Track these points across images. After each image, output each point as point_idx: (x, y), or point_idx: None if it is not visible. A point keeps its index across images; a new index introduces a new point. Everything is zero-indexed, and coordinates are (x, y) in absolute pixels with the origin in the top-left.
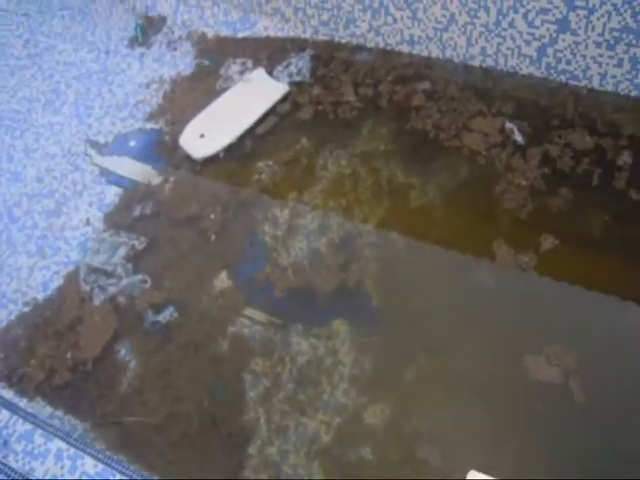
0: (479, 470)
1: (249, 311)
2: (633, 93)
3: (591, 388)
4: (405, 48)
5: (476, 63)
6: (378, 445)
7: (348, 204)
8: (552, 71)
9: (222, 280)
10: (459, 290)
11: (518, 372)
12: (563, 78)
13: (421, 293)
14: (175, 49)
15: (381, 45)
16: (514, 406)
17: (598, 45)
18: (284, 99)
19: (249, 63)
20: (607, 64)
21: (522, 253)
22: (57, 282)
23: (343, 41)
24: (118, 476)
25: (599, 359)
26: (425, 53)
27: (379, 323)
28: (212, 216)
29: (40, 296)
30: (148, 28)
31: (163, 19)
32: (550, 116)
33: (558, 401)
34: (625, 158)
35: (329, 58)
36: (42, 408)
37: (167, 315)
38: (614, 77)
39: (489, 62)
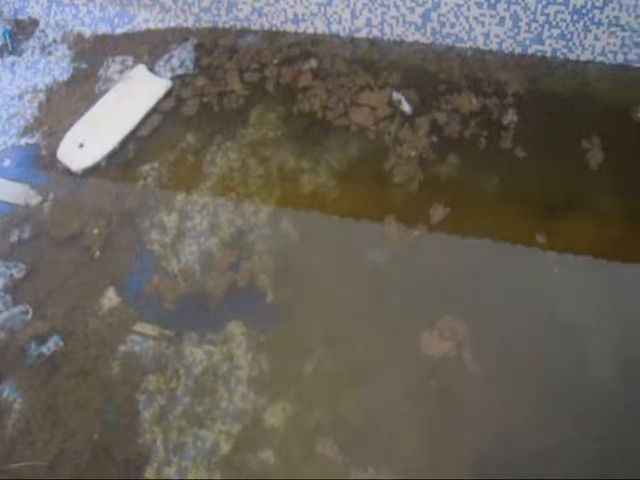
0: (382, 459)
1: (140, 326)
2: (517, 50)
3: (484, 356)
4: (290, 27)
5: (362, 35)
6: (279, 446)
7: (239, 198)
8: (438, 36)
9: (110, 297)
10: (353, 273)
11: (413, 350)
12: (449, 42)
13: (316, 281)
14: (50, 54)
15: (266, 26)
16: (411, 386)
17: (479, 5)
18: (167, 95)
19: (129, 61)
20: (490, 23)
21: (413, 228)
22: None
23: (227, 26)
24: None
25: (490, 326)
26: (311, 30)
27: (275, 318)
28: (95, 231)
29: None
30: (18, 33)
31: (34, 22)
32: (437, 82)
33: (452, 374)
34: (510, 117)
35: (213, 46)
36: None
37: (52, 345)
38: (497, 36)
39: (375, 33)
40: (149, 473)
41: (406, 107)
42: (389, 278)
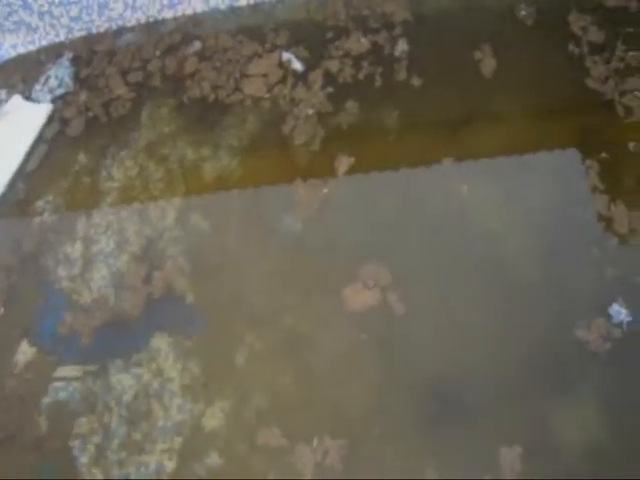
0: (325, 428)
1: (61, 371)
2: None
3: (409, 295)
4: (168, 13)
5: (242, 2)
6: (223, 447)
7: (143, 207)
8: None
9: (24, 352)
10: (270, 248)
11: (340, 309)
12: None
13: (234, 267)
14: None
15: (142, 20)
16: (344, 346)
17: None
18: (50, 120)
19: (2, 94)
20: None
21: (321, 185)
22: None
23: (101, 30)
24: None
25: (411, 262)
26: (189, 11)
27: (198, 318)
28: None
29: None
30: None
31: None
32: (324, 30)
33: (382, 321)
34: (401, 47)
35: (90, 54)
36: None
37: None
38: None
39: None
40: None
41: (297, 65)
42: (305, 243)
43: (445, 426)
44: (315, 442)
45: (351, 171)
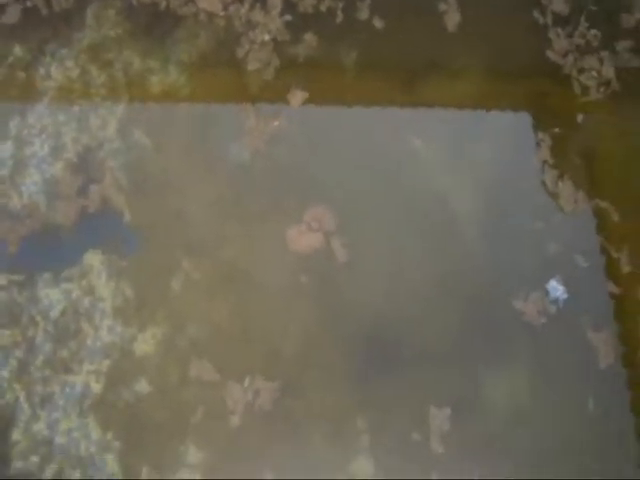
0: (258, 367)
1: None
2: None
3: (352, 243)
4: None
5: None
6: (154, 374)
7: (82, 113)
8: None
9: None
10: (215, 176)
11: (283, 248)
12: None
13: (176, 191)
14: None
15: None
16: (283, 286)
17: None
18: None
19: None
20: None
21: (272, 117)
22: None
23: None
24: None
25: (357, 210)
26: None
27: (135, 239)
28: None
29: None
30: None
31: None
32: None
33: (323, 266)
34: None
35: None
36: None
37: None
38: None
39: None
40: (16, 435)
41: None
42: (252, 175)
43: (377, 378)
44: (247, 381)
45: (304, 106)
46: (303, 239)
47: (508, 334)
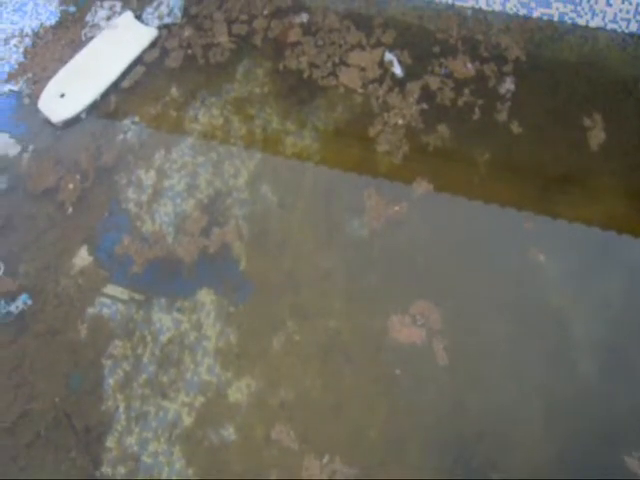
0: (339, 448)
1: (110, 289)
2: (521, 11)
3: (455, 349)
4: None
5: None
6: (241, 424)
7: (219, 159)
8: None
9: (82, 257)
10: (329, 247)
11: (384, 333)
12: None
13: (291, 252)
14: None
15: None
16: (378, 373)
17: None
18: (152, 45)
19: (117, 6)
20: None
21: (394, 202)
22: None
23: None
24: None
25: (466, 317)
26: None
27: (247, 288)
28: (70, 186)
29: None
30: None
31: None
32: (432, 42)
33: (420, 364)
34: (508, 86)
35: None
36: None
37: (20, 304)
38: None
39: None
40: (110, 442)
41: (397, 70)
42: (367, 253)
43: None
44: (326, 459)
45: (428, 198)
46: (405, 330)
47: None
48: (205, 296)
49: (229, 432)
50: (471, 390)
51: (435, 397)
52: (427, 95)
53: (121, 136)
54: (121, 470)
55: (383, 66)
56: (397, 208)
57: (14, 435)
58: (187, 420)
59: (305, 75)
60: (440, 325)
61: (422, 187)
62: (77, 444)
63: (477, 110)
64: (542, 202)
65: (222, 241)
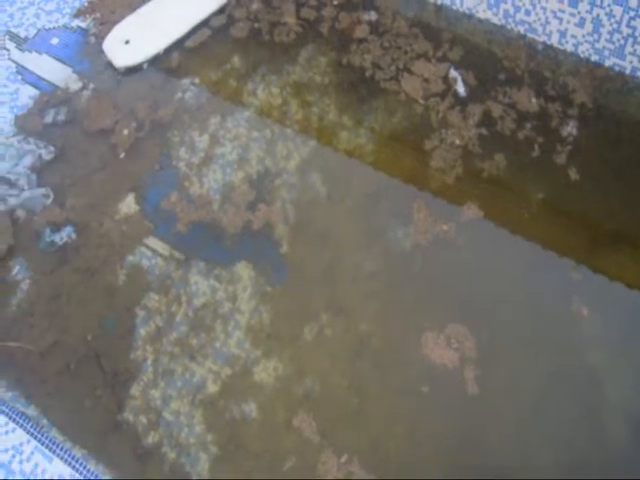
0: (358, 450)
1: (152, 241)
2: (593, 58)
3: (487, 381)
4: None
5: None
6: (264, 404)
7: (273, 138)
8: (510, 20)
9: (128, 204)
10: (372, 250)
11: (416, 348)
12: (521, 29)
13: (333, 248)
14: None
15: None
16: (404, 385)
17: None
18: (220, 11)
19: None
20: (568, 21)
21: (442, 221)
22: None
23: None
24: None
25: (503, 350)
26: None
27: (285, 272)
28: (125, 132)
29: None
30: None
31: None
32: (499, 69)
33: (449, 388)
34: (571, 129)
35: None
36: None
37: (65, 236)
38: (574, 37)
39: (445, 0)
40: (134, 390)
41: (461, 88)
42: (408, 264)
43: None
44: (344, 459)
45: (476, 224)
46: (438, 350)
47: None
48: (243, 270)
49: (251, 409)
50: (495, 427)
51: (459, 424)
52: (488, 121)
53: (179, 94)
54: (142, 420)
55: (447, 82)
56: (445, 227)
57: (45, 361)
58: (212, 388)
59: (367, 74)
60: (474, 354)
61: (472, 212)
62: (103, 384)
63: (536, 147)
64: (591, 254)
65: (266, 220)
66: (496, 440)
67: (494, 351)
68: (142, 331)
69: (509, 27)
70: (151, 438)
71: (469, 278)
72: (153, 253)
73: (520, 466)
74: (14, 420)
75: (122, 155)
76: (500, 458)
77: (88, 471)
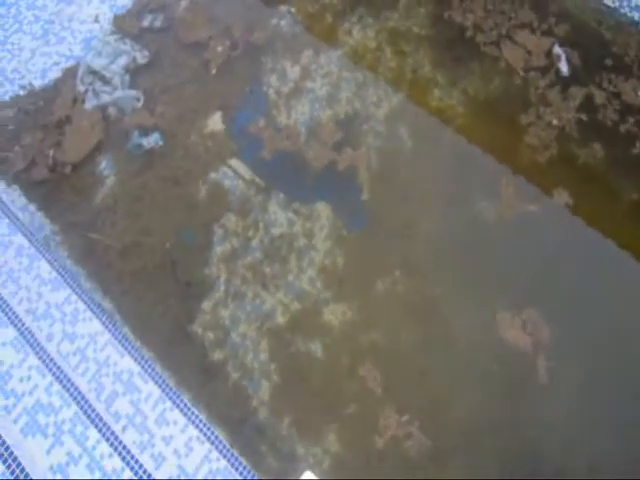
0: (419, 414)
1: (235, 163)
2: None
3: (558, 371)
4: None
5: None
6: (330, 345)
7: (365, 81)
8: (625, 4)
9: (215, 121)
10: (454, 217)
11: (489, 324)
12: (635, 16)
13: (415, 205)
14: None
15: None
16: (474, 359)
17: None
18: None
19: None
20: None
21: (530, 201)
22: (56, 73)
23: None
24: (69, 290)
25: (576, 346)
26: None
27: (363, 220)
28: (219, 49)
29: (37, 83)
30: None
31: None
32: (607, 53)
33: (519, 371)
34: None
35: None
36: (17, 197)
37: (152, 141)
38: None
39: None
40: (205, 305)
41: (564, 67)
42: (490, 238)
43: None
44: (405, 418)
45: (565, 211)
46: (513, 332)
47: None
48: (322, 209)
49: (317, 347)
50: (563, 419)
51: (525, 409)
52: (589, 106)
53: (275, 20)
54: (210, 335)
55: (550, 58)
56: (532, 208)
57: (122, 259)
58: (280, 318)
59: (467, 35)
60: (549, 342)
61: (562, 198)
62: (176, 293)
63: (638, 144)
64: None
65: (351, 162)
66: (558, 439)
67: (570, 345)
68: (218, 249)
69: (622, 11)
70: (217, 355)
71: (551, 265)
72: (235, 174)
73: (581, 470)
74: (92, 309)
75: (214, 71)
76: (561, 458)
77: (157, 374)
